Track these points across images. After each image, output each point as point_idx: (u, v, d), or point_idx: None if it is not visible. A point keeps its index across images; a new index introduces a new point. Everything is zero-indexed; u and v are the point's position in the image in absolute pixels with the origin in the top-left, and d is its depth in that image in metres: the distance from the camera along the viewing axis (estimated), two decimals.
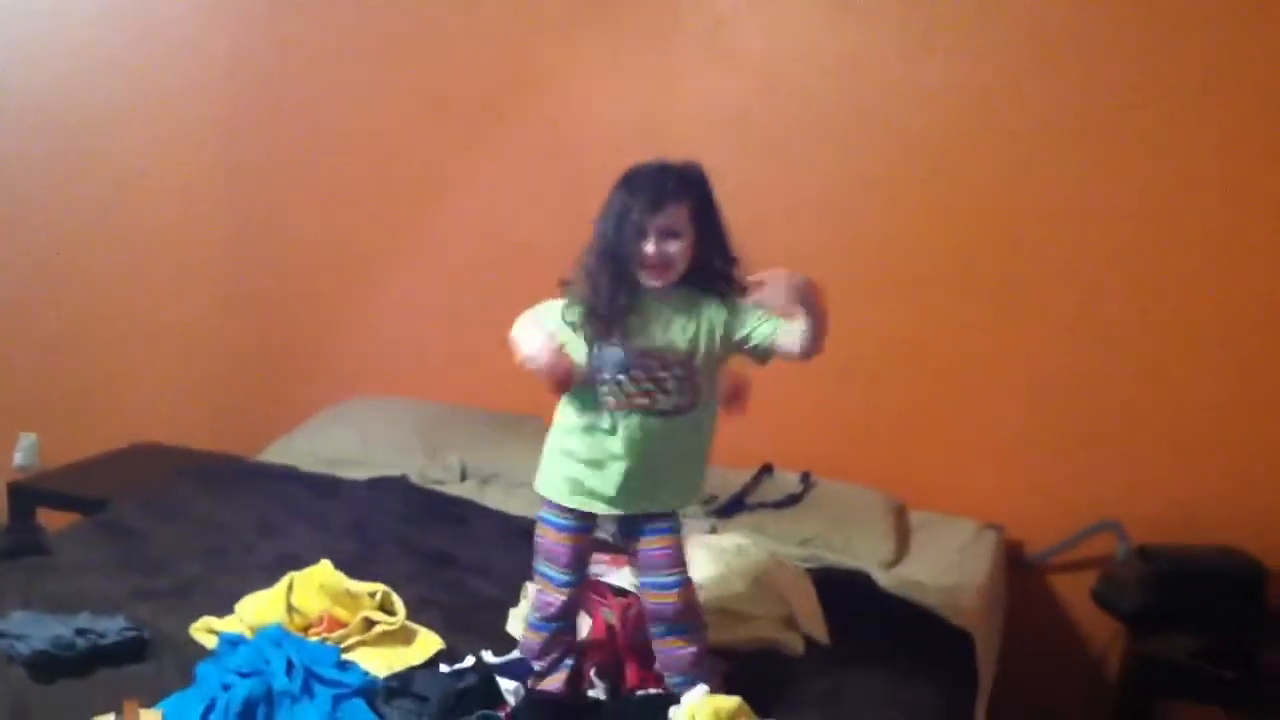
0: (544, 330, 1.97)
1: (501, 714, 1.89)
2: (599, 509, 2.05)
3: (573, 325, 2.01)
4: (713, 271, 2.00)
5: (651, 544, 2.04)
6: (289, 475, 3.16)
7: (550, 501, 2.07)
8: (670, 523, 2.06)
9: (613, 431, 2.00)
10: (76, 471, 3.64)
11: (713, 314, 1.99)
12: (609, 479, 2.02)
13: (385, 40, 3.63)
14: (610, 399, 1.99)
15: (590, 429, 2.02)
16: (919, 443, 3.22)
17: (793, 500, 3.02)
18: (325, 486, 3.07)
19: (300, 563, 2.38)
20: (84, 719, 1.81)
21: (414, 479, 3.16)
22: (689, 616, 2.04)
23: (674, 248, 1.94)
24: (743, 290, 1.97)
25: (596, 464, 2.02)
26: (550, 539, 2.07)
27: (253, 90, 3.82)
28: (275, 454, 3.40)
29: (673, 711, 1.84)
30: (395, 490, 3.05)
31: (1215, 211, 2.89)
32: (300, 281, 3.86)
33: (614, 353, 1.98)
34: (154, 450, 3.86)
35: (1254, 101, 2.83)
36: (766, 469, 3.16)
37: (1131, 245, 2.96)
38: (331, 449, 3.36)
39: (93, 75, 3.98)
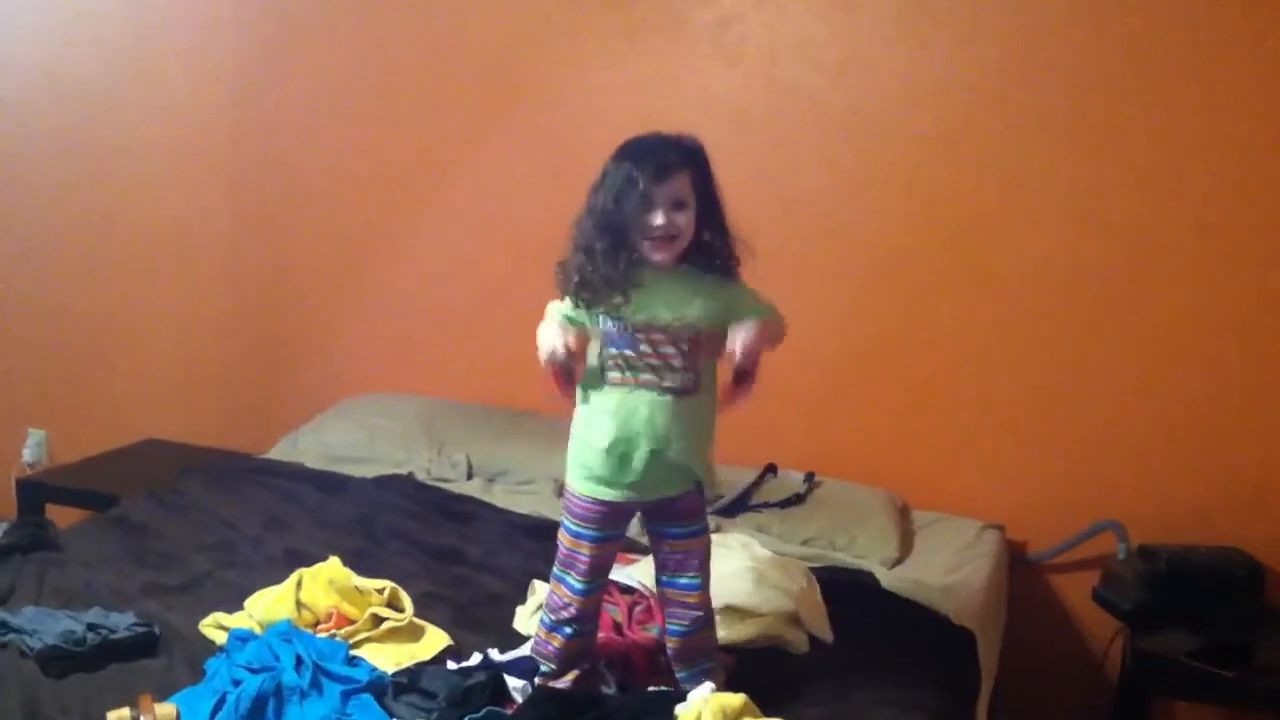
0: (555, 327, 1.97)
1: (509, 711, 1.91)
2: (612, 496, 1.99)
3: (576, 303, 1.98)
4: (709, 247, 1.98)
5: (677, 547, 2.03)
6: (296, 472, 3.18)
7: (572, 507, 2.03)
8: (701, 523, 2.05)
9: (617, 413, 1.97)
10: (85, 468, 3.66)
11: (714, 292, 1.97)
12: (620, 464, 1.97)
13: (390, 40, 3.64)
14: (615, 374, 1.97)
15: (599, 412, 1.99)
16: (922, 443, 3.24)
17: (797, 500, 3.03)
18: (332, 483, 3.08)
19: (308, 559, 2.40)
20: (95, 713, 1.83)
21: (420, 476, 3.17)
22: (708, 616, 2.05)
23: (682, 218, 1.92)
24: (737, 265, 1.99)
25: (607, 449, 1.97)
26: (573, 548, 2.02)
27: (258, 90, 3.83)
28: (282, 451, 3.42)
29: (679, 709, 1.85)
30: (402, 487, 3.06)
31: (1215, 209, 2.90)
32: (307, 278, 3.88)
33: (618, 325, 1.96)
34: (162, 447, 3.88)
35: (1253, 94, 2.84)
36: (770, 469, 3.18)
37: (1132, 243, 2.97)
38: (338, 446, 3.38)
39: (100, 76, 4.00)
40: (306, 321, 3.90)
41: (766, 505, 3.00)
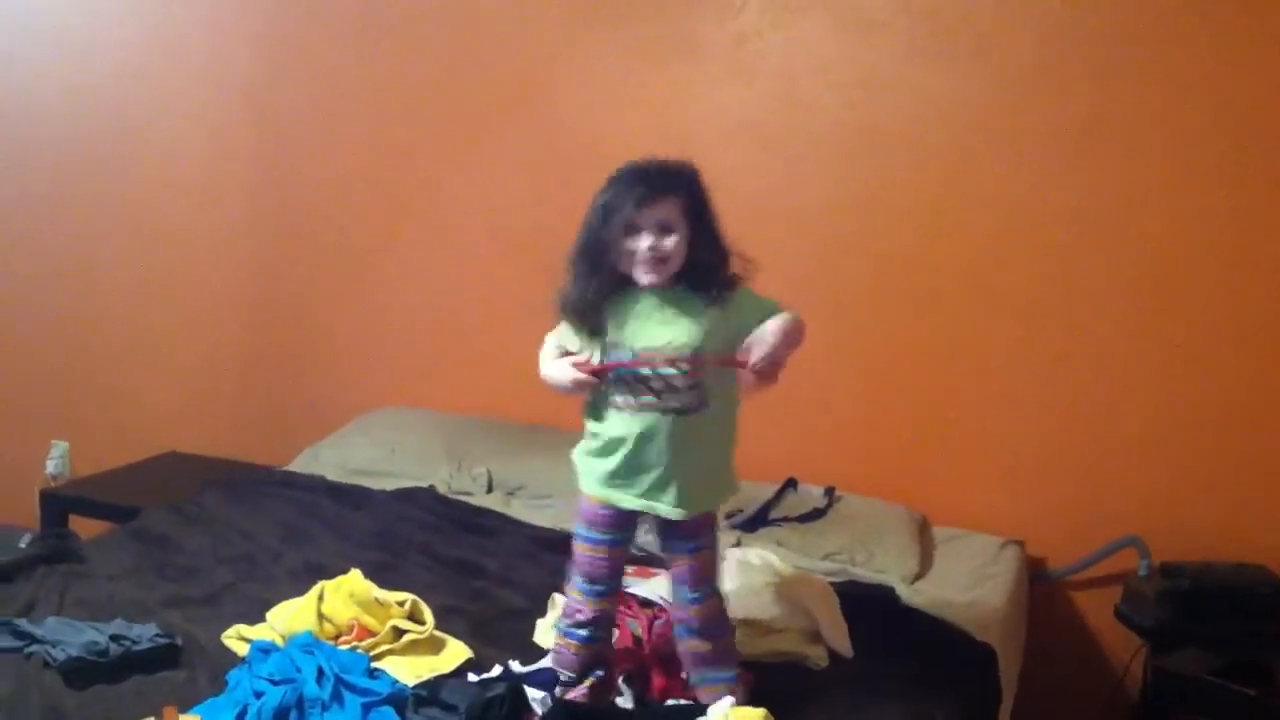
0: (558, 356, 2.02)
1: None
2: (620, 502, 2.02)
3: (570, 329, 2.03)
4: (705, 270, 1.97)
5: (681, 561, 2.03)
6: (317, 485, 3.19)
7: (584, 516, 2.05)
8: (700, 541, 2.04)
9: (625, 440, 1.98)
10: (108, 480, 3.68)
11: (709, 310, 1.97)
12: (634, 484, 2.00)
13: (409, 57, 3.66)
14: (619, 397, 1.99)
15: (606, 437, 2.01)
16: (942, 458, 3.23)
17: (817, 514, 3.03)
18: (353, 496, 3.10)
19: (328, 571, 2.41)
20: None
21: (441, 490, 3.18)
22: (711, 626, 2.04)
23: (670, 242, 1.92)
24: (735, 285, 1.98)
25: (613, 472, 2.01)
26: (585, 553, 2.05)
27: (277, 106, 3.86)
28: (303, 464, 3.44)
29: None
30: (422, 501, 3.07)
31: (1233, 222, 2.89)
32: (328, 292, 3.90)
33: (619, 353, 1.98)
34: (184, 459, 3.90)
35: (1265, 112, 2.83)
36: (790, 483, 3.18)
37: (1151, 258, 2.97)
38: (359, 459, 3.39)
39: (120, 92, 4.04)
40: (326, 335, 3.92)
41: (786, 520, 3.00)
